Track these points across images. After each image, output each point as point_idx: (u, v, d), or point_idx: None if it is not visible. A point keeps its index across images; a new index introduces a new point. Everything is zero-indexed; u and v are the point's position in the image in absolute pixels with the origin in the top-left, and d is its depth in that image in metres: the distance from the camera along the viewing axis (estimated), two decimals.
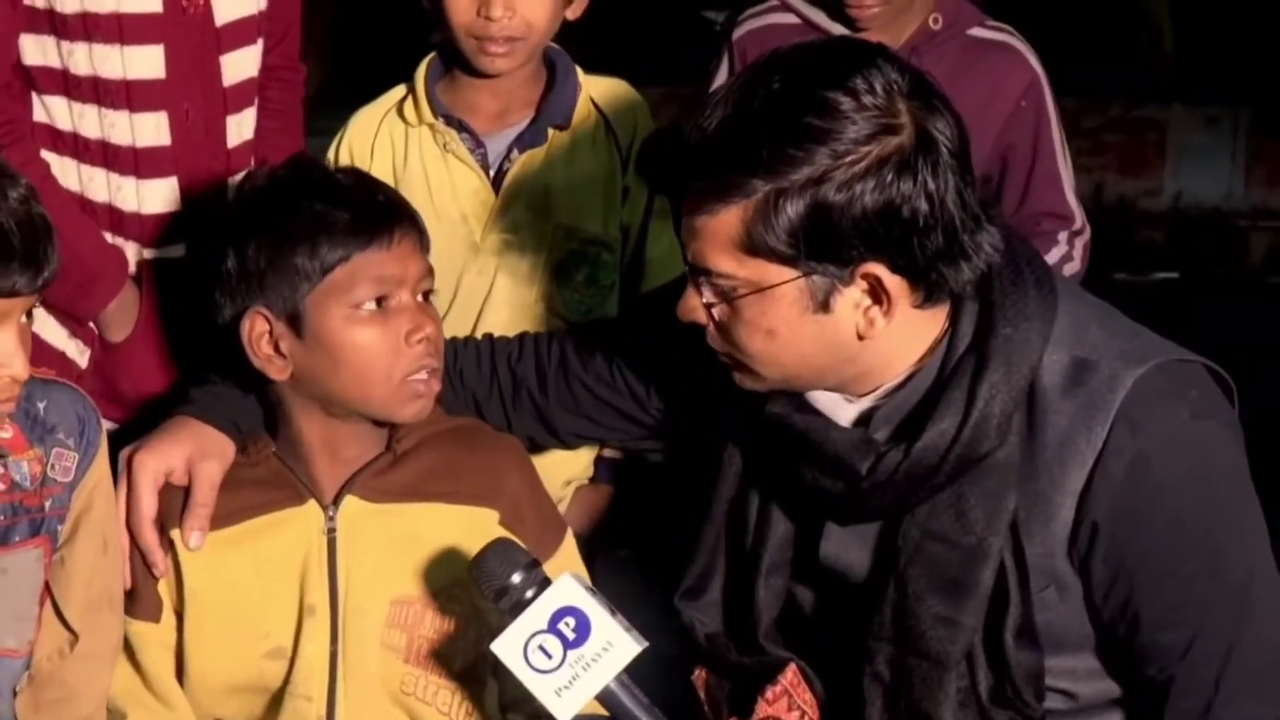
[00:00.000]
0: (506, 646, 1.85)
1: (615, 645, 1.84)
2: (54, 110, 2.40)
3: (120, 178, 2.41)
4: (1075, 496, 1.89)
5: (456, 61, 2.58)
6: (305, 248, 2.06)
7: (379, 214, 2.09)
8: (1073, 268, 3.03)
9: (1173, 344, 1.96)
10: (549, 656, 1.84)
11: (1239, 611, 1.90)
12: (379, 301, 2.07)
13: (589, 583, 1.90)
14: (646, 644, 1.85)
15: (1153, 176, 6.55)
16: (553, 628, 1.84)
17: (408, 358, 2.08)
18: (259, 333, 2.09)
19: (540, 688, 1.84)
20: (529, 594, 1.86)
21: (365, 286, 2.06)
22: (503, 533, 2.11)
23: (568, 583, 1.86)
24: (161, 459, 2.13)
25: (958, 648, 1.94)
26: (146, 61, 2.38)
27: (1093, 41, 3.14)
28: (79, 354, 2.46)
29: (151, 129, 2.40)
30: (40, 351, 2.30)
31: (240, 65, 2.49)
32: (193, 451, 2.13)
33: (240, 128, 2.51)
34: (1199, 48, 6.71)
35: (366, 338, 2.07)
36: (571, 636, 1.84)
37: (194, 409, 2.17)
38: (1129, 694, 2.00)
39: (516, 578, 1.87)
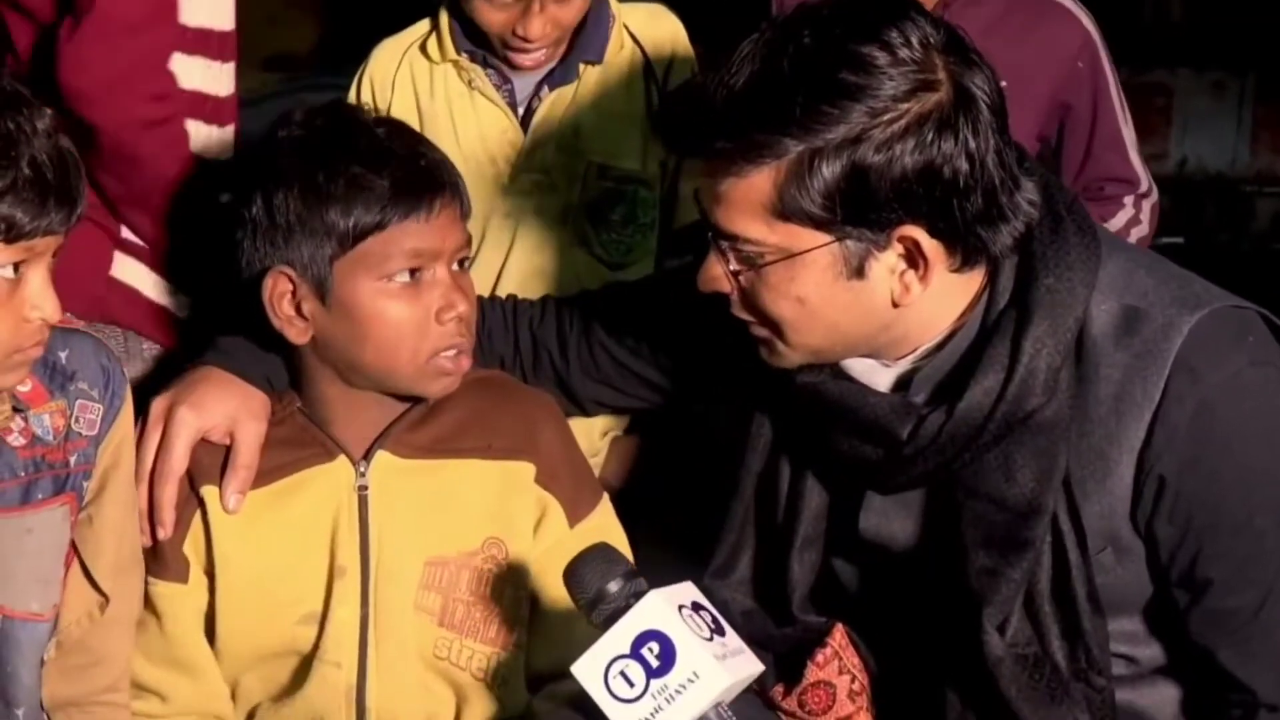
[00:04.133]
0: (587, 670, 1.72)
1: (703, 675, 1.67)
2: None
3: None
4: (1135, 452, 1.83)
5: None
6: (338, 210, 1.97)
7: (420, 181, 2.00)
8: (1140, 231, 2.98)
9: (1224, 291, 1.90)
10: (631, 684, 1.69)
11: None
12: (412, 274, 2.00)
13: (696, 596, 1.76)
14: (753, 670, 1.73)
15: (1159, 142, 6.54)
16: (635, 653, 1.69)
17: (437, 335, 2.01)
18: (281, 292, 2.01)
19: (621, 718, 1.70)
20: (625, 605, 1.71)
21: (399, 258, 1.98)
22: (537, 489, 2.07)
23: (654, 603, 1.70)
24: (204, 416, 2.06)
25: (999, 595, 1.87)
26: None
27: (1099, 6, 3.11)
28: (180, 306, 2.39)
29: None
30: (138, 306, 2.31)
31: None
32: (237, 410, 2.06)
33: None
34: (1206, 13, 6.68)
35: (396, 312, 1.99)
36: (655, 664, 1.68)
37: (229, 361, 2.10)
38: (1179, 659, 1.94)
39: (614, 586, 1.74)
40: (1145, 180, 3.04)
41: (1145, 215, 3.02)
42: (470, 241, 2.07)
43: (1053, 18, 2.96)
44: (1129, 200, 3.01)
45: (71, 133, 2.14)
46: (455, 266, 2.03)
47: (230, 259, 2.05)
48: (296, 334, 2.02)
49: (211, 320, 2.25)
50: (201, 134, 2.31)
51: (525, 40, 2.43)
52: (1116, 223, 2.98)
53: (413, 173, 2.00)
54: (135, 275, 2.35)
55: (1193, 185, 6.69)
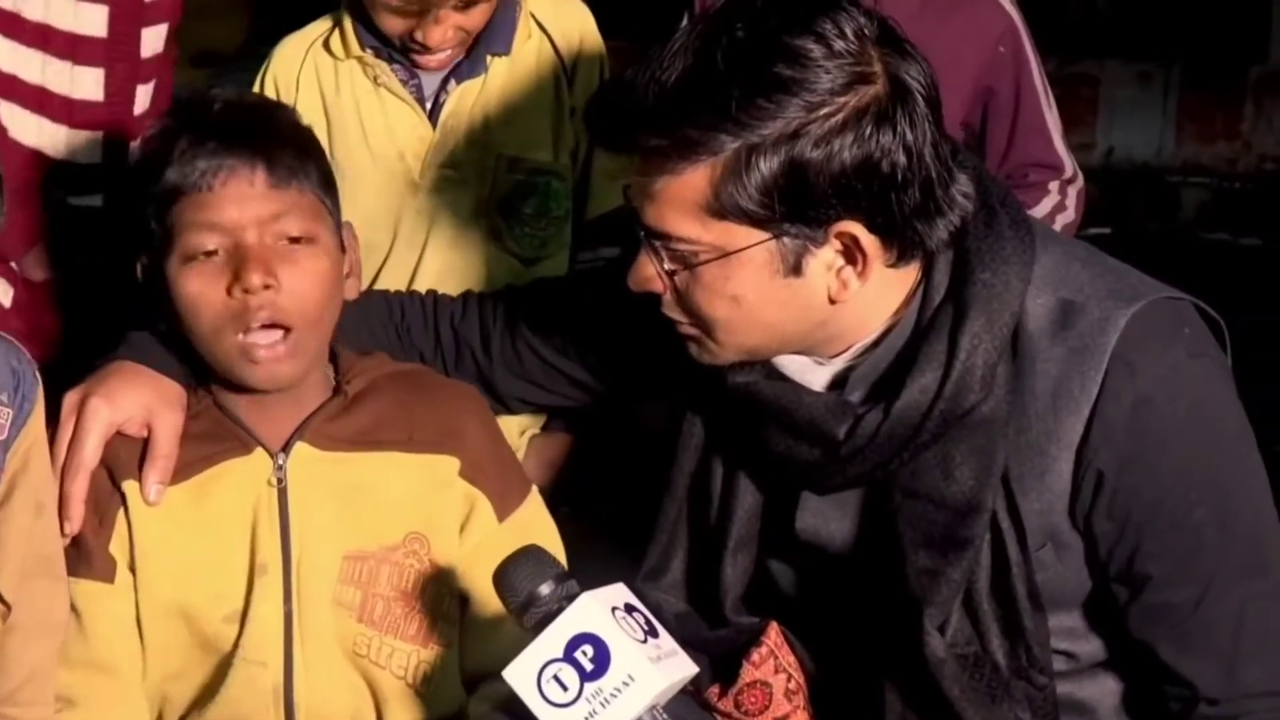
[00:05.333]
0: (519, 674, 1.68)
1: (638, 679, 1.65)
2: None
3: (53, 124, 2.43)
4: (1073, 448, 1.82)
5: None
6: (151, 191, 1.97)
7: (205, 150, 1.95)
8: (1066, 218, 2.97)
9: (1159, 282, 1.89)
10: (565, 688, 1.66)
11: (1251, 561, 1.84)
12: (207, 252, 1.95)
13: (629, 598, 1.73)
14: (687, 672, 1.70)
15: (1085, 132, 6.58)
16: (569, 656, 1.66)
17: (232, 313, 1.94)
18: (145, 280, 2.01)
19: None
20: (556, 608, 1.68)
21: (189, 234, 1.95)
22: (463, 484, 2.03)
23: (587, 605, 1.67)
24: (119, 409, 2.01)
25: (939, 595, 1.86)
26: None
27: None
28: (3, 294, 2.42)
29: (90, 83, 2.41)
30: None
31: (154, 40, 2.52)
32: (152, 401, 2.01)
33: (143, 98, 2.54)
34: (1131, 3, 6.72)
35: (189, 291, 1.95)
36: (590, 667, 1.65)
37: (141, 355, 2.05)
38: (1119, 654, 1.93)
39: (545, 589, 1.71)
40: (1070, 166, 3.03)
41: (1071, 201, 3.01)
42: (301, 212, 1.98)
43: (975, 3, 2.96)
44: (1054, 186, 3.00)
45: None
46: (285, 242, 1.96)
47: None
48: (166, 321, 2.00)
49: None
50: (31, 125, 2.37)
51: (425, 47, 2.39)
52: (1042, 209, 2.97)
53: (205, 139, 1.96)
54: None
55: (1120, 175, 6.74)
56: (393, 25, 2.39)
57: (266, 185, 1.96)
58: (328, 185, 2.03)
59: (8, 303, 2.40)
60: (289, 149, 1.98)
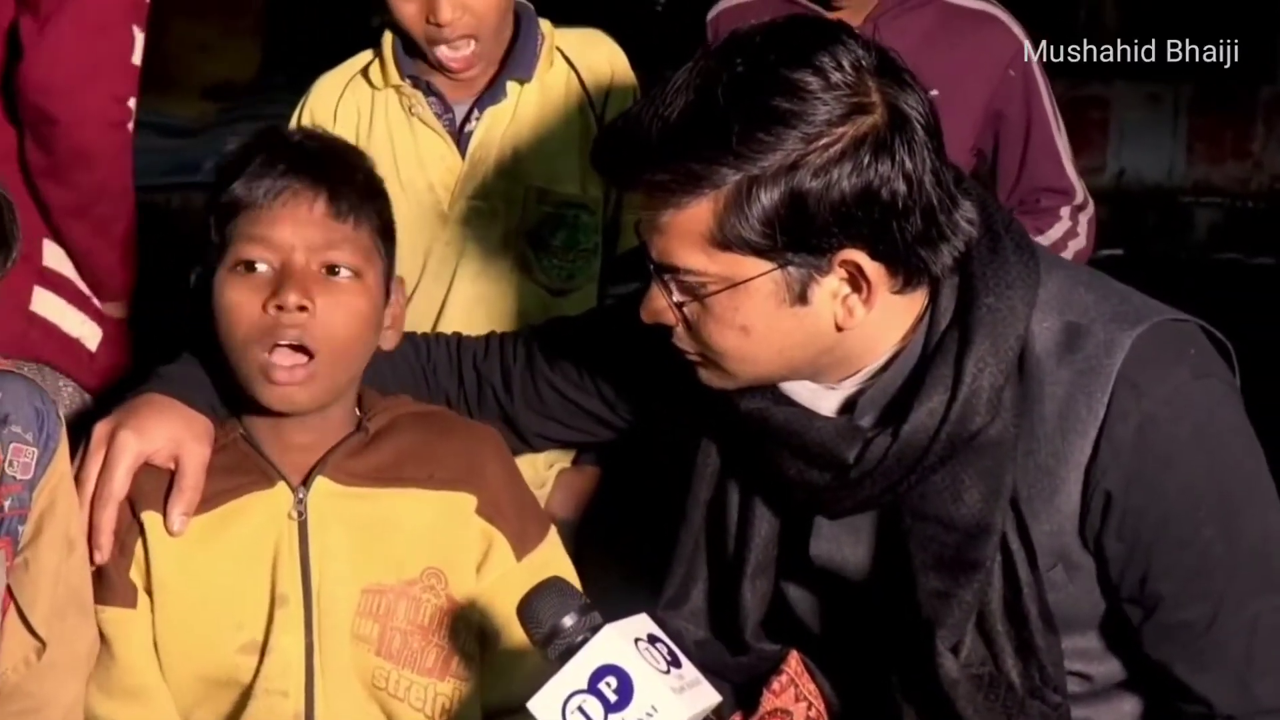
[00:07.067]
0: (544, 706, 1.67)
1: (661, 709, 1.64)
2: None
3: None
4: (1081, 469, 1.83)
5: None
6: (217, 202, 2.01)
7: (274, 171, 1.99)
8: (1078, 244, 2.98)
9: (1163, 305, 1.90)
10: None
11: (1262, 577, 1.85)
12: (255, 266, 1.98)
13: (652, 628, 1.73)
14: (710, 701, 1.70)
15: (1096, 154, 6.59)
16: (593, 688, 1.65)
17: (263, 327, 1.97)
18: (195, 289, 2.05)
19: None
20: (580, 639, 1.68)
21: (241, 246, 1.99)
22: (480, 522, 2.05)
23: (610, 637, 1.67)
24: (147, 440, 2.03)
25: (952, 617, 1.87)
26: None
27: (1034, 18, 3.14)
28: (92, 336, 2.47)
29: None
30: (56, 340, 2.37)
31: None
32: (181, 433, 2.03)
33: None
34: (1142, 24, 6.73)
35: (230, 299, 1.99)
36: (613, 699, 1.64)
37: (171, 388, 2.07)
38: (1138, 673, 1.94)
39: (569, 620, 1.69)
40: (1081, 193, 3.04)
41: (1082, 229, 3.02)
42: (351, 246, 2.01)
43: (984, 27, 2.97)
44: (1065, 212, 3.01)
45: (31, 135, 2.32)
46: (324, 271, 1.99)
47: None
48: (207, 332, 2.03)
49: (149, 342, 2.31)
50: None
51: (439, 27, 2.42)
52: (1053, 234, 2.98)
53: (274, 162, 2.00)
54: (53, 309, 2.38)
55: (1131, 197, 6.73)
56: (405, 10, 2.43)
57: (325, 214, 1.99)
58: (385, 233, 2.06)
59: (94, 347, 2.45)
60: (353, 187, 2.02)
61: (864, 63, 1.77)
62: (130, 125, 2.42)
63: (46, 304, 2.42)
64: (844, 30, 1.81)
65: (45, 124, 2.37)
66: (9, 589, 1.95)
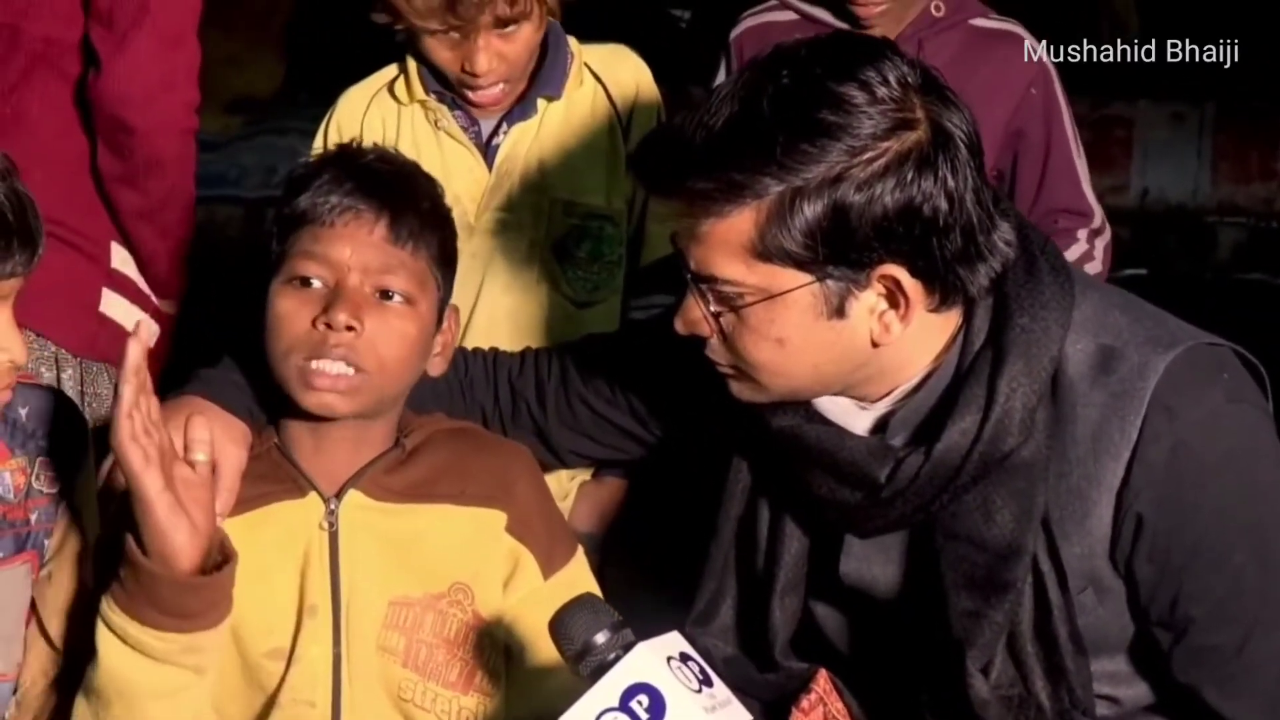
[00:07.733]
0: None
1: None
2: None
3: None
4: (1113, 492, 1.83)
5: None
6: (283, 213, 2.04)
7: (341, 190, 2.01)
8: (1094, 268, 2.97)
9: (1198, 329, 1.91)
10: None
11: None
12: (309, 281, 1.99)
13: (684, 646, 1.73)
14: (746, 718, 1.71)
15: (1120, 174, 6.54)
16: (625, 706, 1.65)
17: (309, 342, 1.98)
18: (250, 296, 2.06)
19: None
20: (613, 657, 1.68)
21: (298, 260, 2.00)
22: (509, 539, 2.06)
23: (643, 655, 1.67)
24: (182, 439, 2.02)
25: (982, 637, 1.87)
26: None
27: (1057, 37, 3.14)
28: (152, 336, 2.52)
29: None
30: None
31: None
32: (219, 436, 2.02)
33: None
34: (1165, 43, 6.72)
35: (281, 309, 2.00)
36: (645, 717, 1.64)
37: (210, 390, 2.07)
38: (1166, 698, 1.94)
39: (601, 637, 1.70)
40: (1099, 216, 3.03)
41: (1099, 252, 3.01)
42: (406, 271, 2.02)
43: (1006, 47, 2.97)
44: (1082, 235, 3.00)
45: (107, 143, 2.41)
46: (377, 295, 2.00)
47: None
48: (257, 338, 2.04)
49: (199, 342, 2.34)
50: None
51: (474, 75, 2.43)
52: (1069, 256, 2.96)
53: (343, 181, 2.01)
54: (120, 311, 2.45)
55: (1155, 216, 6.71)
56: (442, 57, 2.44)
57: (384, 238, 2.00)
58: (445, 262, 2.07)
59: (153, 344, 2.48)
60: (416, 213, 2.04)
61: (909, 79, 1.77)
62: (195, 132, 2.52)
63: (114, 306, 2.50)
64: (889, 46, 1.82)
65: (123, 133, 2.45)
66: (33, 602, 1.95)
